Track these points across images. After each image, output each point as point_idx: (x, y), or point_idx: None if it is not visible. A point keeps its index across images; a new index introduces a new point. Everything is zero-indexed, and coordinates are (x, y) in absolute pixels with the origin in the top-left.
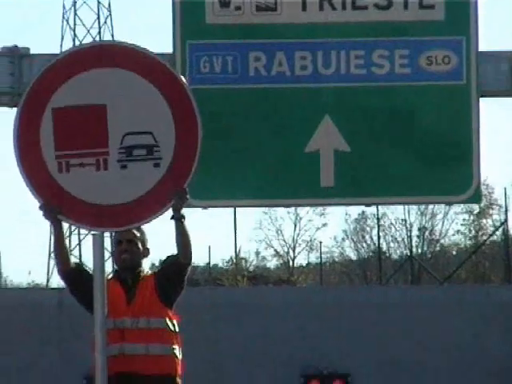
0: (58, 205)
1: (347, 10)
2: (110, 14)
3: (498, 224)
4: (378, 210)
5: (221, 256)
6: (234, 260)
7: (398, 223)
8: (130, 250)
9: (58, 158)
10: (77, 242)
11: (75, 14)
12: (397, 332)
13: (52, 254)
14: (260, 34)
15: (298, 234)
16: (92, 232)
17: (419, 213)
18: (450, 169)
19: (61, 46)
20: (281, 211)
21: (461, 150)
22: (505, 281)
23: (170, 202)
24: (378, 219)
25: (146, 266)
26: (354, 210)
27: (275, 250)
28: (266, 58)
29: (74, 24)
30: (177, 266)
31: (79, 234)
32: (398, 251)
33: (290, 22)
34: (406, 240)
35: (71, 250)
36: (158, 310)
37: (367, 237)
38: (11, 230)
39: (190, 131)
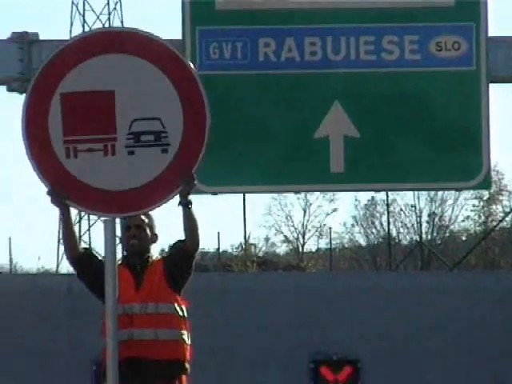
0: (65, 190)
1: None
2: (120, 0)
3: (507, 210)
4: (387, 195)
5: (230, 242)
6: (244, 246)
7: (407, 209)
8: (138, 236)
9: (65, 143)
10: (87, 227)
11: None
12: (406, 318)
13: (61, 240)
14: (269, 20)
15: (308, 220)
16: (102, 218)
17: (429, 199)
18: (460, 155)
19: (70, 31)
20: (290, 197)
21: (470, 136)
22: None
23: (177, 187)
24: (388, 205)
25: (155, 251)
26: (364, 196)
27: (285, 236)
28: (275, 43)
29: (84, 10)
30: (184, 251)
31: (89, 219)
32: (407, 237)
33: (300, 8)
34: (415, 226)
35: (81, 236)
36: (166, 296)
37: (377, 223)
38: (21, 215)
39: (198, 118)
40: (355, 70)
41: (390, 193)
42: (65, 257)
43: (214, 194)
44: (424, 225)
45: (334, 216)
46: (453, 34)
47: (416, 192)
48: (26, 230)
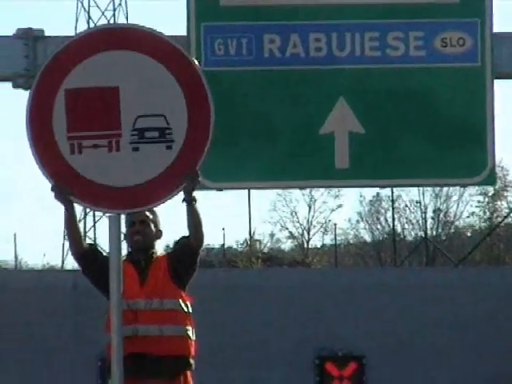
0: (69, 186)
1: None
2: None
3: None
4: (392, 192)
5: (235, 238)
6: (249, 242)
7: (412, 205)
8: (142, 232)
9: (70, 139)
10: (92, 223)
11: None
12: (411, 314)
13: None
14: (274, 16)
15: (313, 216)
16: (107, 214)
17: (434, 195)
18: (465, 151)
19: (75, 28)
20: (295, 193)
21: (475, 132)
22: None
23: (181, 184)
24: (393, 201)
25: (160, 247)
26: (369, 192)
27: (290, 232)
28: (280, 39)
29: (89, 6)
30: (188, 247)
31: (94, 215)
32: (412, 233)
33: (305, 4)
34: (420, 222)
35: (86, 232)
36: (171, 291)
37: (382, 219)
38: (26, 212)
39: (203, 115)
40: (360, 66)
41: (395, 189)
42: (70, 253)
43: (220, 190)
44: (429, 221)
45: (338, 212)
46: (458, 30)
47: (421, 188)
48: (31, 227)
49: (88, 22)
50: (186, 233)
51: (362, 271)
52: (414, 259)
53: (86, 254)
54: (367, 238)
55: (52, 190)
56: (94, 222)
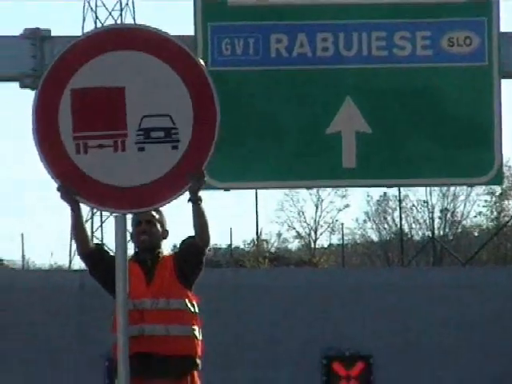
0: (75, 186)
1: None
2: None
3: None
4: (399, 191)
5: (242, 238)
6: (256, 242)
7: (419, 205)
8: (148, 231)
9: (75, 139)
10: (99, 223)
11: None
12: (419, 313)
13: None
14: (281, 16)
15: (320, 216)
16: (114, 214)
17: (441, 194)
18: (472, 150)
19: (82, 28)
20: (302, 193)
21: (482, 132)
22: None
23: (187, 184)
24: (400, 201)
25: (166, 247)
26: (376, 192)
27: (297, 232)
28: (287, 39)
29: (96, 6)
30: (194, 247)
31: (101, 215)
32: (419, 233)
33: (312, 4)
34: (427, 221)
35: (93, 232)
36: (177, 291)
37: (389, 218)
38: (34, 211)
39: (208, 115)
40: (367, 66)
41: (402, 188)
42: (76, 253)
43: (227, 189)
44: (436, 220)
45: (346, 212)
46: (464, 30)
47: (428, 188)
48: (39, 226)
49: (95, 22)
50: (193, 233)
51: (369, 271)
52: (421, 259)
53: (93, 254)
54: (374, 237)
55: (58, 190)
56: (101, 222)
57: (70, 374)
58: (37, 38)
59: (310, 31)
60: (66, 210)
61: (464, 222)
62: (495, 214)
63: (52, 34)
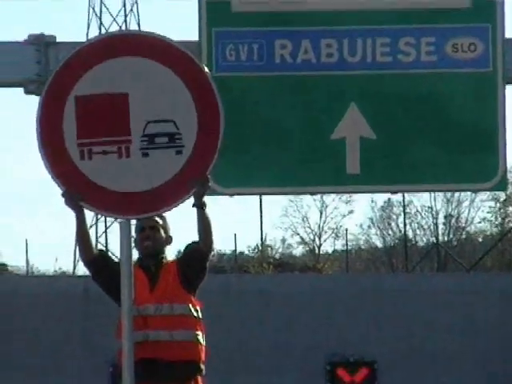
0: (79, 192)
1: None
2: (137, 2)
3: None
4: (404, 197)
5: (247, 243)
6: (260, 247)
7: (423, 210)
8: (152, 237)
9: (80, 145)
10: (103, 229)
11: (101, 1)
12: (423, 319)
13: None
14: (286, 22)
15: (324, 222)
16: (118, 220)
17: (445, 200)
18: (476, 156)
19: (87, 34)
20: (307, 199)
21: (487, 138)
22: None
23: (191, 189)
24: (404, 206)
25: (171, 252)
26: (380, 198)
27: (301, 238)
28: (291, 45)
29: (100, 12)
30: (198, 253)
31: (106, 221)
32: (423, 238)
33: (316, 10)
34: (432, 227)
35: (98, 238)
36: (181, 297)
37: (393, 224)
38: (38, 217)
39: (212, 120)
40: (371, 72)
41: (406, 194)
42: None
43: (231, 195)
44: (440, 226)
45: (350, 217)
46: (469, 36)
47: (432, 193)
48: (43, 232)
49: (100, 28)
50: (197, 238)
51: (373, 277)
52: (425, 265)
53: (96, 260)
54: (378, 243)
55: (62, 195)
56: (106, 228)
57: (74, 380)
58: (41, 43)
59: (314, 37)
60: (70, 215)
61: (468, 228)
62: (499, 219)
63: (57, 40)
